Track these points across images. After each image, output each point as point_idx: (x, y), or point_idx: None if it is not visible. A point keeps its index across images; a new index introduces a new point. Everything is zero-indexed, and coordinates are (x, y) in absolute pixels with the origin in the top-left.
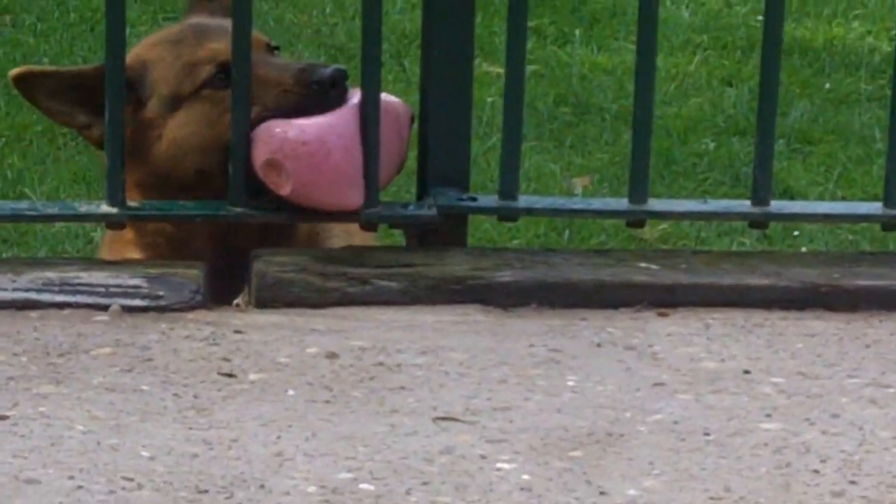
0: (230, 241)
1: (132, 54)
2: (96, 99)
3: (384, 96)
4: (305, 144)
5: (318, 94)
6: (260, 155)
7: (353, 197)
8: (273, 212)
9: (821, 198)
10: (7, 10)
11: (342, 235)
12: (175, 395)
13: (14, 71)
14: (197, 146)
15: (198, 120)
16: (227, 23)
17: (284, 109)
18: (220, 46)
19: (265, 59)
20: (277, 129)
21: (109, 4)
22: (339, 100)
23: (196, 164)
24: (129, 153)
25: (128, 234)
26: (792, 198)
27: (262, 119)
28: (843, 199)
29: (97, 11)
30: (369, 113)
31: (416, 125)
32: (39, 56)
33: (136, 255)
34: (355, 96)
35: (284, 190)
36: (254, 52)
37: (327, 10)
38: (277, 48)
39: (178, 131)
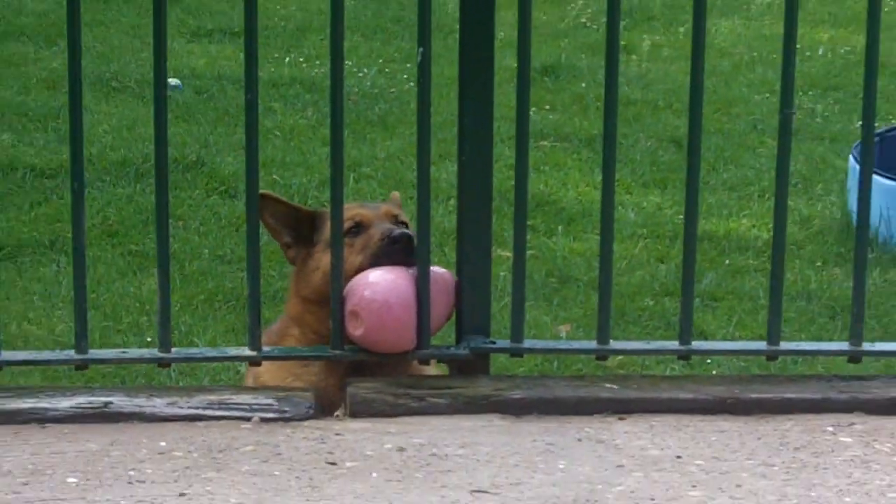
0: (362, 369)
1: (323, 210)
2: (300, 230)
3: (438, 269)
4: (374, 301)
5: (388, 245)
6: (347, 306)
7: (409, 341)
8: (358, 352)
9: (724, 337)
10: (181, 217)
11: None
12: (297, 478)
13: (262, 191)
14: None
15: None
16: (380, 203)
17: (377, 256)
18: (362, 211)
19: (380, 224)
20: (359, 288)
21: (249, 221)
22: (403, 253)
23: None
24: (297, 277)
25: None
26: (706, 338)
27: (372, 262)
28: (740, 338)
29: (240, 218)
30: (422, 282)
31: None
32: (202, 249)
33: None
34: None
35: (359, 331)
36: (381, 219)
37: None
38: (406, 223)
39: (328, 265)
